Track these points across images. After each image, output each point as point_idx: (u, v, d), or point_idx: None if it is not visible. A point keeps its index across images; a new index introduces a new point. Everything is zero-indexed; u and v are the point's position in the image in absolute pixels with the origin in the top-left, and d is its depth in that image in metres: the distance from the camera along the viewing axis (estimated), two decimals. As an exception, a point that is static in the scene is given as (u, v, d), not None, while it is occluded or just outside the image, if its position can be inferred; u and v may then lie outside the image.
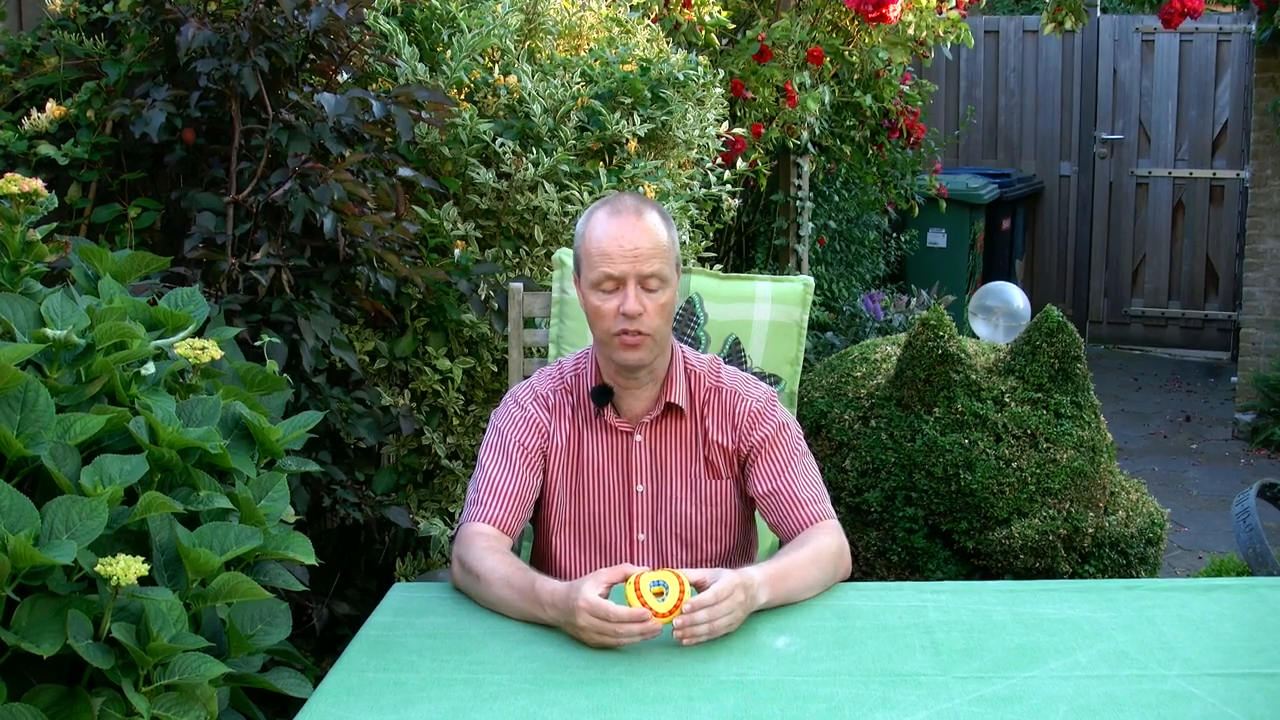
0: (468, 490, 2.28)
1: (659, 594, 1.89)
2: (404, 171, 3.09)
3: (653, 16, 4.29)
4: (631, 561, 2.31)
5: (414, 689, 1.81)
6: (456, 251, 3.23)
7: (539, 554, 2.40)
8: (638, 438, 2.31)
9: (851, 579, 2.22)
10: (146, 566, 1.62)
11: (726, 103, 4.27)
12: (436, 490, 3.47)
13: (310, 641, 2.92)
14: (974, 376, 3.27)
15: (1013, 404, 3.25)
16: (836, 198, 6.46)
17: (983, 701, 1.76)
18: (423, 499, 3.46)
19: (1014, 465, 3.19)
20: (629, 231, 2.16)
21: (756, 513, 2.40)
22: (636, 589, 1.90)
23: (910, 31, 5.19)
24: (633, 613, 1.87)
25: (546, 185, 3.35)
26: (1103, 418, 3.39)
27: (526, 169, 3.33)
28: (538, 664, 1.88)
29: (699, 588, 1.93)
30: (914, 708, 1.74)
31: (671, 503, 2.32)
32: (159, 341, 2.02)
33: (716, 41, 4.70)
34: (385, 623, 2.06)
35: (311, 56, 3.07)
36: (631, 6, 4.05)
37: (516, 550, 2.32)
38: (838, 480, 3.35)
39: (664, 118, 3.58)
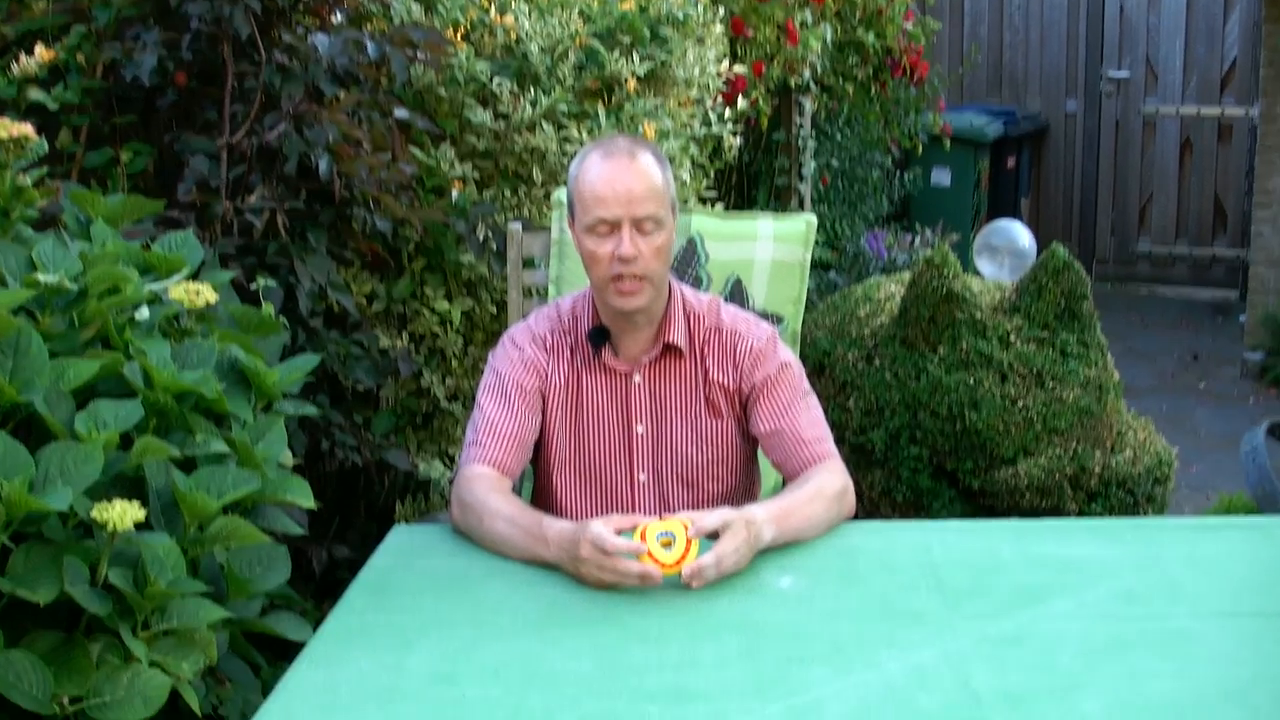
0: (466, 432, 2.27)
1: (667, 544, 1.89)
2: (400, 113, 3.06)
3: (652, -47, 4.22)
4: (632, 502, 2.30)
5: (414, 630, 1.80)
6: (454, 192, 3.20)
7: (540, 495, 2.39)
8: (636, 379, 2.29)
9: (856, 519, 2.21)
10: (143, 512, 1.61)
11: (727, 41, 4.21)
12: (436, 432, 3.46)
13: (310, 585, 2.91)
14: (979, 315, 3.24)
15: (1018, 343, 3.22)
16: (839, 136, 6.40)
17: (989, 640, 1.75)
18: (422, 441, 3.45)
19: (1020, 404, 3.17)
20: (622, 174, 2.13)
21: (759, 452, 2.39)
22: (644, 539, 1.89)
23: (914, -33, 5.11)
24: (632, 545, 1.87)
25: (545, 125, 3.31)
26: (1110, 356, 3.37)
27: (524, 109, 3.28)
28: (540, 604, 1.87)
29: (711, 538, 1.92)
30: (919, 646, 1.73)
31: (672, 443, 2.30)
32: (153, 286, 2.00)
33: (717, -22, 4.64)
34: (385, 565, 2.05)
35: (304, -4, 3.03)
36: (630, -57, 3.98)
37: (517, 490, 2.31)
38: (841, 420, 3.34)
39: (664, 56, 3.53)
